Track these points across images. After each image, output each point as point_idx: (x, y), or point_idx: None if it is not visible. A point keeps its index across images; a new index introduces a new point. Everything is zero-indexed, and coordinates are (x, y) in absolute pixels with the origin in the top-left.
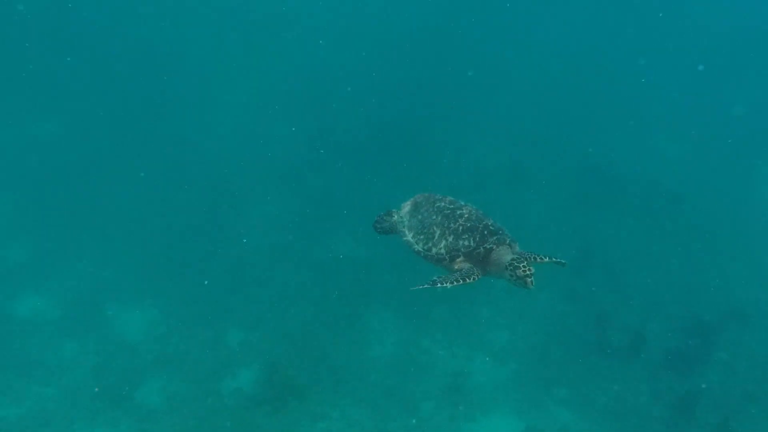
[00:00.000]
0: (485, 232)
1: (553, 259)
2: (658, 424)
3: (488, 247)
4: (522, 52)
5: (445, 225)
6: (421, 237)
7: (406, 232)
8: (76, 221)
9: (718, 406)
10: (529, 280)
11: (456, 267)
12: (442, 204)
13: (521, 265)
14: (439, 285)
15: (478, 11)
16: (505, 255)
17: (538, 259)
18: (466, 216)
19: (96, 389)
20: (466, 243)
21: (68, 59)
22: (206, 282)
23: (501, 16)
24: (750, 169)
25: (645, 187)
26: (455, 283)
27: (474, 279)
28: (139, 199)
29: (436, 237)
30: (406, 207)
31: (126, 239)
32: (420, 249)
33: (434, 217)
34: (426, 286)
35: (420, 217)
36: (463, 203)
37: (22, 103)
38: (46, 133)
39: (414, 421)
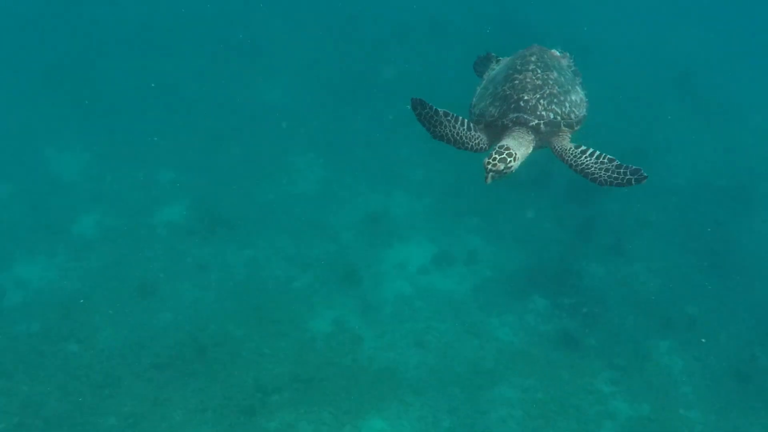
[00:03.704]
0: (512, 106)
1: (608, 160)
2: (559, 245)
3: (504, 122)
4: None
5: (498, 87)
6: (478, 99)
7: (477, 89)
8: (10, 66)
9: (612, 231)
10: (486, 174)
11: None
12: (519, 61)
13: (492, 156)
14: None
15: None
16: (519, 138)
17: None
18: (519, 79)
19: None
20: (492, 111)
21: None
22: (137, 127)
23: None
24: None
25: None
26: (455, 139)
27: (468, 146)
28: (75, 44)
29: (485, 98)
30: (506, 59)
31: (58, 86)
32: (472, 112)
33: (501, 75)
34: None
35: (495, 73)
36: (538, 62)
37: None
38: None
39: (335, 247)
